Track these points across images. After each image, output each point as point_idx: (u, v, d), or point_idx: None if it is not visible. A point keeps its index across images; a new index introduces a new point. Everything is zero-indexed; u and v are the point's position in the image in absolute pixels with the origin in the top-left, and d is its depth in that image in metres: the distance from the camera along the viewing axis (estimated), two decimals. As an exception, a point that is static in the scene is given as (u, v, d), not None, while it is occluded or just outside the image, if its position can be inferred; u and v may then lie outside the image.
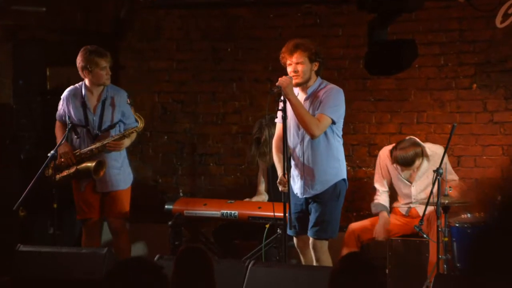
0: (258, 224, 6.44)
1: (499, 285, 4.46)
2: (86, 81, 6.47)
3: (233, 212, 6.56)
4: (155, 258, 4.95)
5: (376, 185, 6.65)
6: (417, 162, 6.46)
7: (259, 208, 6.57)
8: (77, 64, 6.41)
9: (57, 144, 6.34)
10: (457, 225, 6.10)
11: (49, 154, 6.23)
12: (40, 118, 7.71)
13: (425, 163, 6.50)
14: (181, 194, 7.17)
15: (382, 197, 6.60)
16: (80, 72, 6.44)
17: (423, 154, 6.47)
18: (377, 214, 6.55)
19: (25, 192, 6.12)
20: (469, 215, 6.37)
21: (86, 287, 5.21)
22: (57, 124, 6.61)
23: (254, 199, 6.89)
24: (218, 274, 3.85)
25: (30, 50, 7.64)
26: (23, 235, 7.04)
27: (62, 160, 6.41)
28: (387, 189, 6.63)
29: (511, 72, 6.86)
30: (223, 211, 6.61)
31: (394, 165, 6.54)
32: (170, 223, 6.60)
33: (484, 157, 7.01)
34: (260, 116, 7.35)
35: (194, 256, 3.81)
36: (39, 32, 7.70)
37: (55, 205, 6.24)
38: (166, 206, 6.79)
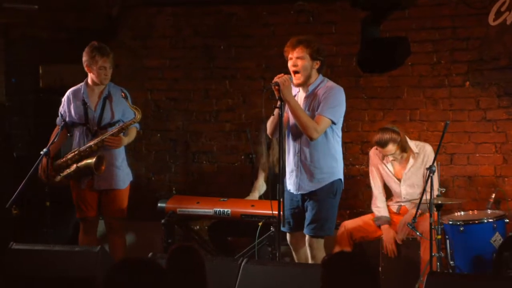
0: (251, 222, 6.44)
1: (491, 283, 4.47)
2: (88, 78, 6.45)
3: (226, 210, 6.55)
4: (148, 256, 4.94)
5: (372, 187, 6.63)
6: (390, 146, 6.39)
7: (252, 206, 6.55)
8: (82, 58, 6.40)
9: (49, 143, 6.32)
10: (450, 223, 6.11)
11: (41, 152, 6.23)
12: (32, 116, 7.69)
13: (411, 160, 6.49)
14: (174, 192, 7.14)
15: (381, 207, 6.56)
16: (84, 66, 6.42)
17: (400, 144, 6.41)
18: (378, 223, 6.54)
19: (18, 190, 6.11)
20: (462, 213, 6.38)
21: (79, 285, 5.21)
22: (56, 128, 6.53)
23: (250, 197, 6.89)
24: (211, 271, 3.85)
25: (22, 48, 7.62)
26: (16, 233, 7.02)
27: (62, 160, 6.40)
28: (381, 191, 6.60)
29: (504, 69, 6.87)
30: (216, 209, 6.59)
31: (383, 160, 6.53)
32: (163, 221, 6.60)
33: (477, 155, 7.02)
34: (253, 113, 7.35)
35: (185, 255, 3.80)
36: (31, 30, 7.68)
37: (47, 203, 6.23)
38: (159, 204, 6.77)
